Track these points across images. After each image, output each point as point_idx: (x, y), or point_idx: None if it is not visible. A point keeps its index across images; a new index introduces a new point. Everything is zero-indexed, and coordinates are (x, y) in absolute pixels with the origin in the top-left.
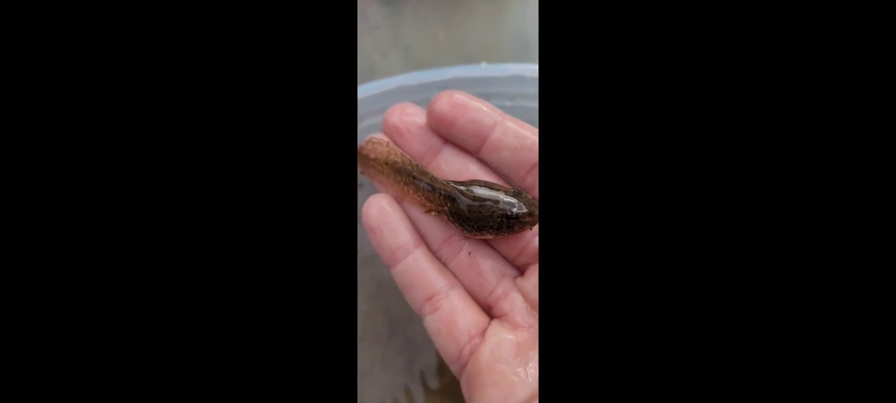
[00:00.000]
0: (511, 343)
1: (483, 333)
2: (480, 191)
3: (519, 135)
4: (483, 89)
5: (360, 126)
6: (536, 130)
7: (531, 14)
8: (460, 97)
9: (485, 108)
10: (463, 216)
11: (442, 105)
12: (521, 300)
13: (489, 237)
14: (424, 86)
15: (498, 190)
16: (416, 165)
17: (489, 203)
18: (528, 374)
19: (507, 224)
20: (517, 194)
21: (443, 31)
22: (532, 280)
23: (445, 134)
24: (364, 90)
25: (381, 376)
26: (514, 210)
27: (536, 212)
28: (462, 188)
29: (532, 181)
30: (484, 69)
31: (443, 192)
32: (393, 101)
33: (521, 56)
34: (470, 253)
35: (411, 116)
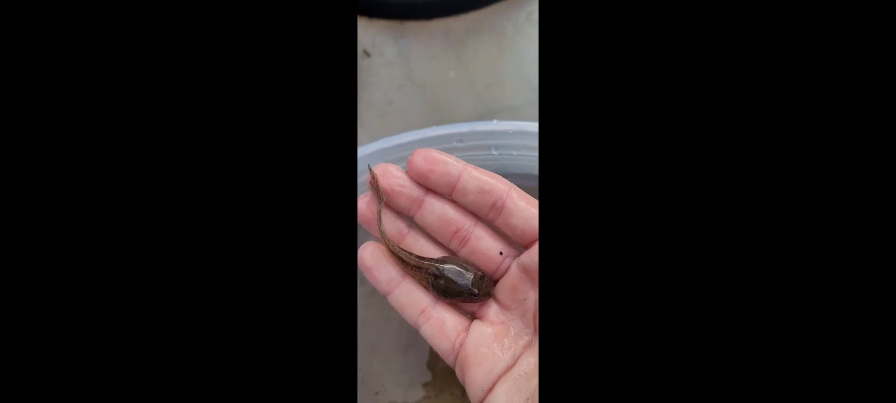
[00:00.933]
0: (489, 333)
1: (467, 329)
2: (453, 273)
3: (479, 179)
4: (495, 141)
5: None
6: (493, 174)
7: (530, 51)
8: (433, 154)
9: (451, 161)
10: (440, 289)
11: (418, 161)
12: (495, 305)
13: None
14: (444, 138)
15: (467, 273)
16: (405, 252)
17: (455, 285)
18: (503, 354)
19: (469, 299)
20: (481, 278)
21: (453, 70)
22: (501, 291)
23: (424, 183)
24: (390, 141)
25: (402, 371)
26: (476, 292)
27: (489, 292)
28: (440, 267)
29: (493, 216)
30: (495, 124)
31: (429, 271)
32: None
33: (520, 89)
34: None
35: (395, 178)
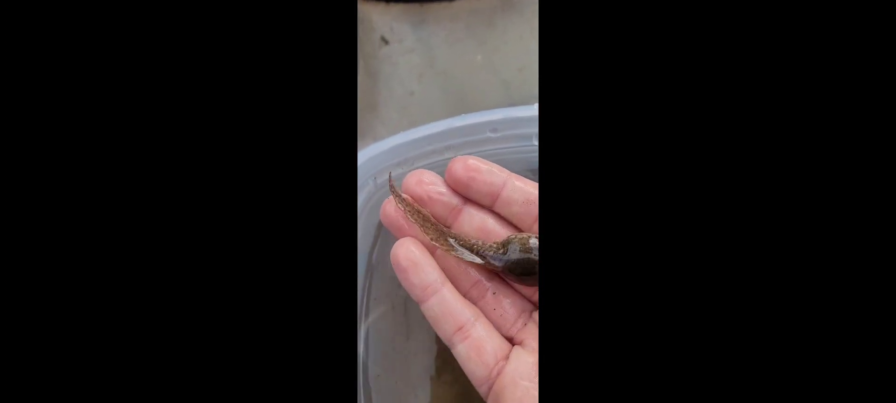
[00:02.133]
0: (531, 363)
1: (507, 356)
2: (529, 244)
3: (524, 190)
4: (537, 129)
5: (417, 166)
6: (537, 185)
7: None
8: (474, 162)
9: (495, 170)
10: (513, 268)
11: (458, 170)
12: (536, 329)
13: (522, 281)
14: (474, 127)
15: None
16: (461, 237)
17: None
18: None
19: None
20: None
21: (480, 54)
22: None
23: (464, 193)
24: (414, 133)
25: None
26: None
27: None
28: (501, 252)
29: (537, 229)
30: (535, 109)
31: (492, 253)
32: (442, 142)
33: None
34: (494, 293)
35: (431, 184)
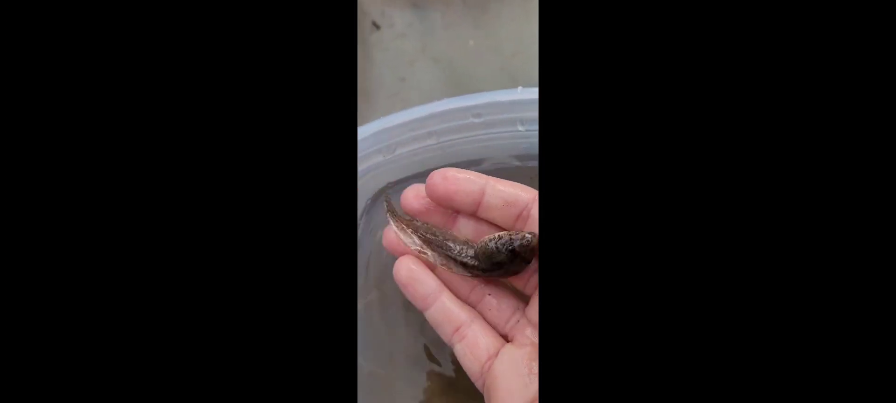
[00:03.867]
0: (519, 357)
1: (498, 353)
2: (487, 240)
3: (502, 193)
4: (522, 113)
5: (398, 152)
6: (515, 184)
7: None
8: (452, 174)
9: (473, 178)
10: (480, 266)
11: (438, 185)
12: (529, 327)
13: (500, 275)
14: (457, 112)
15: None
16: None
17: (492, 245)
18: (531, 381)
19: (511, 257)
20: (516, 240)
21: (472, 39)
22: (533, 307)
23: (449, 205)
24: (403, 116)
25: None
26: (515, 243)
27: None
28: (473, 258)
29: (520, 227)
30: (520, 93)
31: (458, 252)
32: (425, 128)
33: None
34: (490, 294)
35: (426, 198)
